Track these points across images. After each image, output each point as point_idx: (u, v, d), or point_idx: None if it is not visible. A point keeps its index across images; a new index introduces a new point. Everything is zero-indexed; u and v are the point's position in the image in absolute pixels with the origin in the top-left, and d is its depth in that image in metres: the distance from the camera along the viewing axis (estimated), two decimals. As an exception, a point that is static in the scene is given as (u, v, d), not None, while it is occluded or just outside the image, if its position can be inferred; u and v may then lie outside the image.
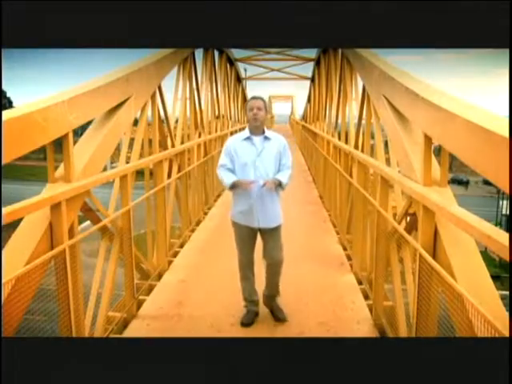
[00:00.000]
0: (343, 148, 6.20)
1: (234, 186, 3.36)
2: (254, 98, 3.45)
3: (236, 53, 14.78)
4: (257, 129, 3.39)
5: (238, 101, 16.14)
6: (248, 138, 3.41)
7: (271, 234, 3.46)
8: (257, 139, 3.40)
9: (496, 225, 25.19)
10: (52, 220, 2.58)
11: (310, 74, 17.11)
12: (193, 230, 6.60)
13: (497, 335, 1.64)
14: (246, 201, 3.36)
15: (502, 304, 1.91)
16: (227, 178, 3.37)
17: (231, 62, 14.05)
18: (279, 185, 3.38)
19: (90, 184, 2.95)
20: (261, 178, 3.31)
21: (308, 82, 18.05)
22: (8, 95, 53.98)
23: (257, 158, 3.36)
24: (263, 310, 3.67)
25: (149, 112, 4.66)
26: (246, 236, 3.47)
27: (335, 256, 5.50)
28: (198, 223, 7.01)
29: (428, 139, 2.61)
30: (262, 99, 3.43)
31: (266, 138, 3.42)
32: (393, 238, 3.32)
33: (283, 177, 3.41)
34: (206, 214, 7.68)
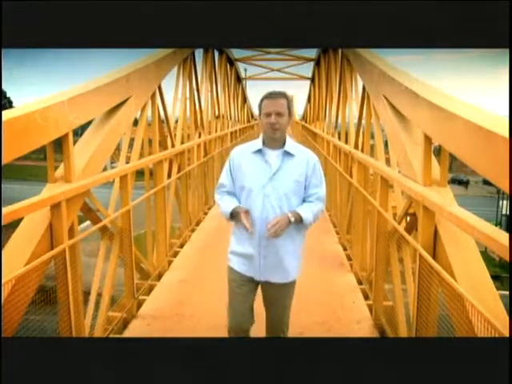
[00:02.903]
0: (343, 148, 6.21)
1: (233, 217, 2.35)
2: (271, 95, 2.29)
3: (236, 53, 14.79)
4: (274, 140, 2.31)
5: (237, 101, 16.15)
6: (259, 152, 2.33)
7: (276, 294, 2.42)
8: (272, 154, 2.31)
9: (496, 225, 25.19)
10: (52, 220, 2.58)
11: (310, 74, 17.12)
12: (193, 230, 6.61)
13: (497, 335, 1.64)
14: (249, 241, 2.34)
15: (502, 304, 1.91)
16: (225, 205, 2.37)
17: (231, 62, 14.05)
18: (299, 221, 2.27)
19: (89, 184, 2.95)
20: (271, 212, 2.25)
21: (308, 82, 18.06)
22: (8, 95, 53.98)
23: (269, 183, 2.27)
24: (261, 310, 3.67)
25: (149, 112, 4.66)
26: (242, 290, 2.41)
27: (335, 256, 5.50)
28: (198, 223, 7.01)
29: (428, 139, 2.61)
30: (284, 96, 2.29)
31: (287, 153, 2.30)
32: (393, 238, 3.32)
33: (306, 211, 2.29)
34: (206, 213, 7.68)
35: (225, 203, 2.38)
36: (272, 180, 2.28)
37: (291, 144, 2.36)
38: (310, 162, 2.34)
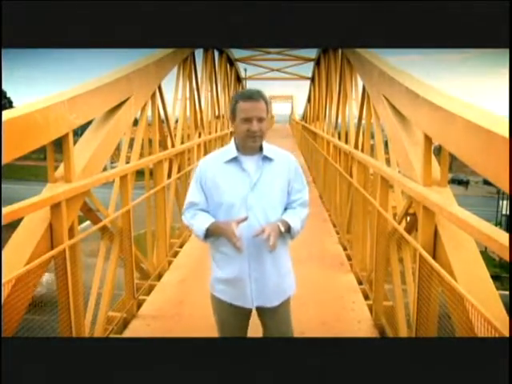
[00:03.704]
0: (343, 148, 6.21)
1: (211, 234, 2.00)
2: (250, 96, 1.97)
3: (236, 53, 14.80)
4: (252, 146, 2.02)
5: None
6: (235, 160, 2.02)
7: (275, 314, 2.12)
8: (250, 161, 2.02)
9: (496, 225, 25.20)
10: (52, 220, 2.58)
11: (310, 74, 17.13)
12: (193, 230, 6.60)
13: (497, 335, 1.65)
14: (233, 262, 2.01)
15: (502, 304, 1.91)
16: (198, 223, 2.01)
17: (231, 62, 14.06)
18: (287, 231, 2.01)
19: (89, 184, 2.96)
20: (258, 226, 1.93)
21: (308, 82, 18.08)
22: (8, 95, 53.96)
23: (250, 193, 1.98)
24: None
25: (149, 112, 4.66)
26: (233, 320, 2.12)
27: (335, 256, 5.50)
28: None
29: (428, 139, 2.61)
30: (262, 97, 1.98)
31: (266, 158, 2.03)
32: (393, 238, 3.32)
33: (293, 218, 2.03)
34: (206, 213, 7.67)
35: (199, 220, 2.01)
36: (254, 190, 1.99)
37: (268, 147, 2.07)
38: (292, 166, 2.10)
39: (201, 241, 2.05)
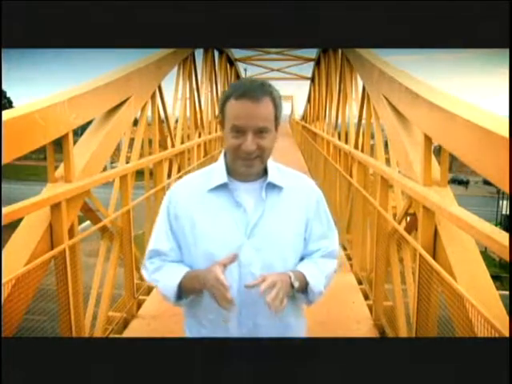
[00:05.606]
0: (343, 148, 6.21)
1: (186, 292, 1.35)
2: (245, 89, 1.24)
3: (236, 53, 14.81)
4: (245, 173, 1.34)
5: (237, 101, 16.16)
6: (224, 188, 1.34)
7: None
8: (248, 191, 1.35)
9: (496, 225, 25.21)
10: (52, 220, 2.58)
11: (310, 74, 17.14)
12: (193, 230, 6.59)
13: (497, 335, 1.65)
14: (217, 321, 1.46)
15: (502, 304, 1.91)
16: (166, 279, 1.36)
17: (231, 62, 14.06)
18: (303, 291, 1.37)
19: (89, 184, 2.95)
20: (255, 294, 1.24)
21: (308, 82, 18.09)
22: (8, 95, 54.01)
23: (246, 243, 1.32)
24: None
25: (149, 112, 4.66)
26: None
27: (335, 256, 5.50)
28: (198, 223, 7.00)
29: (428, 139, 2.61)
30: (266, 94, 1.26)
31: (273, 185, 1.35)
32: (393, 238, 3.32)
33: (314, 272, 1.38)
34: (205, 213, 7.66)
35: (166, 274, 1.36)
36: (252, 237, 1.32)
37: (276, 168, 1.38)
38: (312, 197, 1.41)
39: (171, 304, 1.39)
